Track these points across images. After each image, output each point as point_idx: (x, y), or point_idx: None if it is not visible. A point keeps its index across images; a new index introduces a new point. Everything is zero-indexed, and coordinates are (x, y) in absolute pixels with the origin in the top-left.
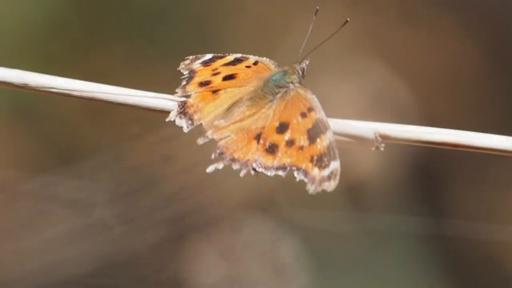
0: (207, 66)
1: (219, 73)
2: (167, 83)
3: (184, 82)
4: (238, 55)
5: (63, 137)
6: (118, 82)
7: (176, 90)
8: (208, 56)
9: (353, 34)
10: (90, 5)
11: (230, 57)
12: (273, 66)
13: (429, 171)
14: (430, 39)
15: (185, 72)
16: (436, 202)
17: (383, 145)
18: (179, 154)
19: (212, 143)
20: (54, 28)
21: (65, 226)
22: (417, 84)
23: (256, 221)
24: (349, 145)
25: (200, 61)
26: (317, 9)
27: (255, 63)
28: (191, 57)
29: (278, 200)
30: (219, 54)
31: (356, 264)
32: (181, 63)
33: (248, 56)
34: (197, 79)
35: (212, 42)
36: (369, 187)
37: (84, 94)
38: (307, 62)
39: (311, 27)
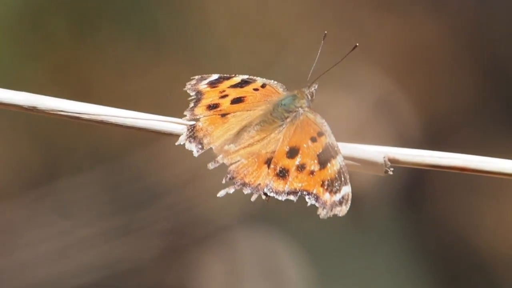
0: (214, 87)
1: (227, 95)
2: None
3: (192, 104)
4: (245, 76)
5: (64, 147)
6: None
7: (184, 113)
8: (214, 76)
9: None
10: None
11: (237, 78)
12: (281, 89)
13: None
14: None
15: (192, 93)
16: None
17: (392, 169)
18: (181, 166)
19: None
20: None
21: (67, 237)
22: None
23: (257, 231)
24: (359, 169)
25: (207, 81)
26: (325, 33)
27: (263, 86)
28: (197, 77)
29: (279, 211)
30: (225, 75)
31: (353, 271)
32: (187, 84)
33: (255, 78)
34: (205, 101)
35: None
36: (365, 197)
37: (93, 117)
38: (316, 87)
39: (319, 51)
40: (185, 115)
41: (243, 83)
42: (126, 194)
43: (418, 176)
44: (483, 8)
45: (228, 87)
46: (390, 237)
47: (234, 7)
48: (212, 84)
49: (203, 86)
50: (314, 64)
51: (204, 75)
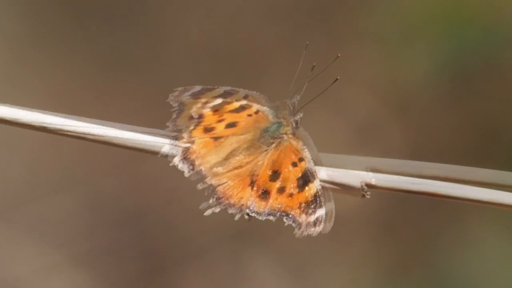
0: (196, 98)
1: (223, 120)
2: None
3: (174, 115)
4: (227, 88)
5: (43, 167)
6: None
7: (167, 124)
8: (197, 87)
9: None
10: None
11: (220, 90)
12: (271, 116)
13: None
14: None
15: (175, 105)
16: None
17: (368, 193)
18: (160, 187)
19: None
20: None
21: (44, 258)
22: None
23: (237, 252)
24: (337, 192)
25: (189, 93)
26: (314, 65)
27: (256, 112)
28: (180, 88)
29: (259, 230)
30: (208, 86)
31: None
32: (170, 95)
33: (237, 89)
34: (203, 124)
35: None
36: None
37: (98, 138)
38: (301, 115)
39: (301, 62)
40: (168, 126)
41: (240, 109)
42: (104, 215)
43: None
44: None
45: (227, 112)
46: (371, 257)
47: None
48: (195, 95)
49: (186, 97)
50: (301, 93)
51: (187, 86)
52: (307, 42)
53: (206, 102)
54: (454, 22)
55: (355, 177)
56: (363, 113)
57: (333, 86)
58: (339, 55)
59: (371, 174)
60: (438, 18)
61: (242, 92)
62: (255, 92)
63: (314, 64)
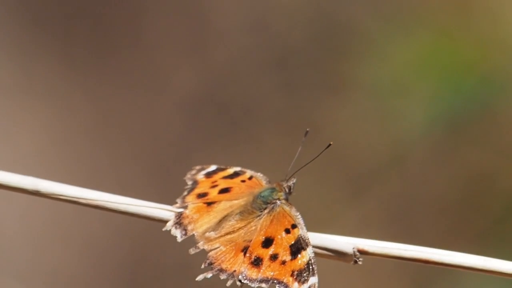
0: (209, 177)
1: (217, 185)
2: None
3: (185, 193)
4: (237, 168)
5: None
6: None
7: (176, 200)
8: (213, 167)
9: None
10: None
11: (230, 170)
12: (264, 182)
13: None
14: None
15: (189, 183)
16: None
17: (361, 259)
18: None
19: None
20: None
21: None
22: None
23: None
24: (329, 258)
25: (205, 172)
26: (307, 130)
27: (250, 178)
28: (197, 167)
29: None
30: (221, 166)
31: None
32: (188, 173)
33: (245, 170)
34: (197, 190)
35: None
36: None
37: (90, 202)
38: (294, 181)
39: (300, 148)
40: (177, 202)
41: (234, 175)
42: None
43: None
44: None
45: (220, 178)
46: None
47: None
48: (208, 175)
49: (200, 176)
50: (294, 159)
51: (205, 165)
52: (307, 129)
53: (201, 169)
54: (449, 72)
55: (347, 243)
56: (357, 165)
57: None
58: (331, 143)
59: (364, 240)
60: (433, 68)
61: (249, 173)
62: (259, 173)
63: (307, 129)
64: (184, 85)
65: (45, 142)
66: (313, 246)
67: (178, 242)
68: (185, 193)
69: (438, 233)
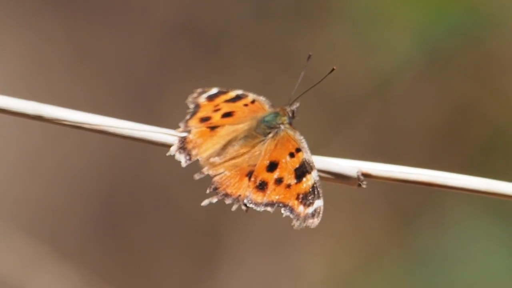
0: (211, 101)
1: (219, 109)
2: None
3: (187, 117)
4: (240, 92)
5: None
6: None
7: (179, 124)
8: (214, 90)
9: None
10: None
11: (233, 93)
12: (268, 106)
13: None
14: None
15: (191, 106)
16: None
17: (365, 183)
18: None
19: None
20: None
21: (31, 252)
22: None
23: (220, 232)
24: (333, 181)
25: (206, 95)
26: (310, 55)
27: (253, 102)
28: (199, 90)
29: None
30: (223, 89)
31: None
32: (189, 96)
33: (247, 93)
34: (200, 114)
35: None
36: None
37: (94, 127)
38: (298, 105)
39: (302, 72)
40: (179, 127)
41: (236, 98)
42: (93, 208)
43: None
44: None
45: (223, 102)
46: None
47: None
48: (210, 98)
49: (202, 99)
50: (297, 83)
51: (206, 88)
52: (310, 53)
53: (203, 92)
54: (433, 2)
55: (351, 166)
56: (337, 95)
57: (312, 72)
58: (335, 67)
59: (367, 163)
60: None
61: (251, 96)
62: (262, 97)
63: (310, 53)
64: (159, 15)
65: (28, 67)
66: (317, 170)
67: (153, 168)
68: (188, 117)
69: (422, 163)
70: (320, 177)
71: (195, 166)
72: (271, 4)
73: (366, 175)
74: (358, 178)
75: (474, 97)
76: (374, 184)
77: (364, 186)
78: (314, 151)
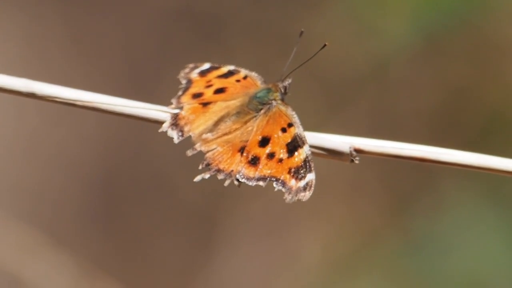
0: (203, 76)
1: (211, 85)
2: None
3: (180, 92)
4: (231, 67)
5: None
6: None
7: (171, 101)
8: (206, 65)
9: None
10: None
11: (225, 69)
12: (260, 82)
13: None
14: None
15: (183, 81)
16: None
17: (357, 158)
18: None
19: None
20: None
21: (28, 238)
22: None
23: (215, 216)
24: (326, 157)
25: (198, 70)
26: (302, 31)
27: (245, 78)
28: (191, 65)
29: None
30: (215, 65)
31: None
32: (181, 71)
33: (239, 69)
34: (192, 90)
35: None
36: None
37: (86, 104)
38: (290, 81)
39: (295, 48)
40: (172, 103)
41: (228, 74)
42: (89, 194)
43: None
44: None
45: (215, 77)
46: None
47: None
48: (202, 74)
49: (194, 75)
50: (289, 59)
51: (198, 63)
52: (302, 29)
53: (195, 67)
54: None
55: (343, 142)
56: (335, 77)
57: (306, 53)
58: (326, 43)
59: (360, 139)
60: None
61: (243, 72)
62: (254, 73)
63: (302, 30)
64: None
65: (25, 51)
66: (310, 146)
67: (151, 152)
68: (180, 93)
69: (420, 142)
70: (313, 153)
71: (196, 154)
72: None
73: (359, 151)
74: (350, 154)
75: (471, 80)
76: (370, 168)
77: (356, 161)
78: (309, 128)
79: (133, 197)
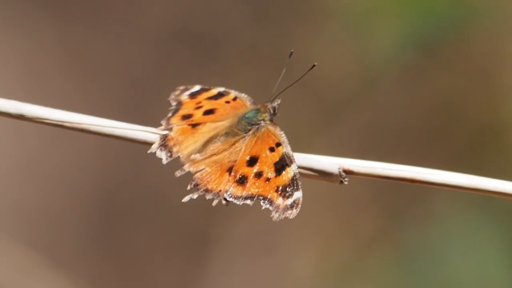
0: (193, 98)
1: (201, 107)
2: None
3: (169, 114)
4: (221, 89)
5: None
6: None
7: (161, 122)
8: (196, 88)
9: None
10: None
11: (215, 90)
12: (249, 102)
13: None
14: None
15: (174, 103)
16: None
17: (346, 179)
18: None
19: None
20: None
21: (26, 261)
22: None
23: (206, 232)
24: (315, 178)
25: (189, 92)
26: (292, 52)
27: (234, 99)
28: (181, 87)
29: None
30: (205, 87)
31: None
32: (172, 93)
33: (229, 90)
34: (181, 111)
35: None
36: None
37: (75, 126)
38: (279, 102)
39: (284, 69)
40: (161, 125)
41: (218, 96)
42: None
43: None
44: None
45: (205, 99)
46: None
47: None
48: (192, 95)
49: (184, 97)
50: (279, 80)
51: (189, 85)
52: (292, 50)
53: (185, 89)
54: None
55: (332, 163)
56: (329, 93)
57: (298, 68)
58: (316, 64)
59: (349, 160)
60: None
61: (233, 94)
62: (244, 94)
63: (292, 50)
64: (155, 19)
65: (22, 72)
66: (298, 167)
67: (148, 173)
68: (170, 114)
69: (409, 159)
70: (302, 174)
71: (189, 174)
72: (267, 7)
73: (348, 172)
74: (339, 175)
75: (461, 92)
76: (361, 182)
77: (345, 182)
78: (299, 149)
79: (131, 218)
